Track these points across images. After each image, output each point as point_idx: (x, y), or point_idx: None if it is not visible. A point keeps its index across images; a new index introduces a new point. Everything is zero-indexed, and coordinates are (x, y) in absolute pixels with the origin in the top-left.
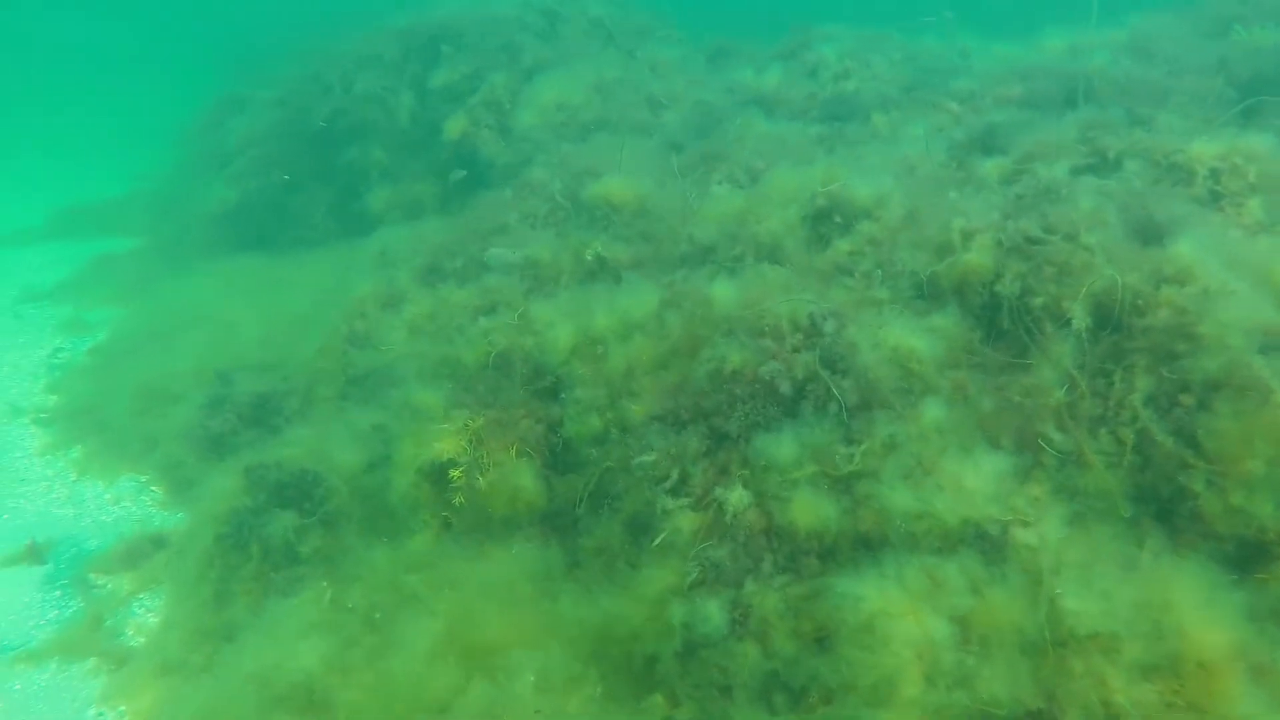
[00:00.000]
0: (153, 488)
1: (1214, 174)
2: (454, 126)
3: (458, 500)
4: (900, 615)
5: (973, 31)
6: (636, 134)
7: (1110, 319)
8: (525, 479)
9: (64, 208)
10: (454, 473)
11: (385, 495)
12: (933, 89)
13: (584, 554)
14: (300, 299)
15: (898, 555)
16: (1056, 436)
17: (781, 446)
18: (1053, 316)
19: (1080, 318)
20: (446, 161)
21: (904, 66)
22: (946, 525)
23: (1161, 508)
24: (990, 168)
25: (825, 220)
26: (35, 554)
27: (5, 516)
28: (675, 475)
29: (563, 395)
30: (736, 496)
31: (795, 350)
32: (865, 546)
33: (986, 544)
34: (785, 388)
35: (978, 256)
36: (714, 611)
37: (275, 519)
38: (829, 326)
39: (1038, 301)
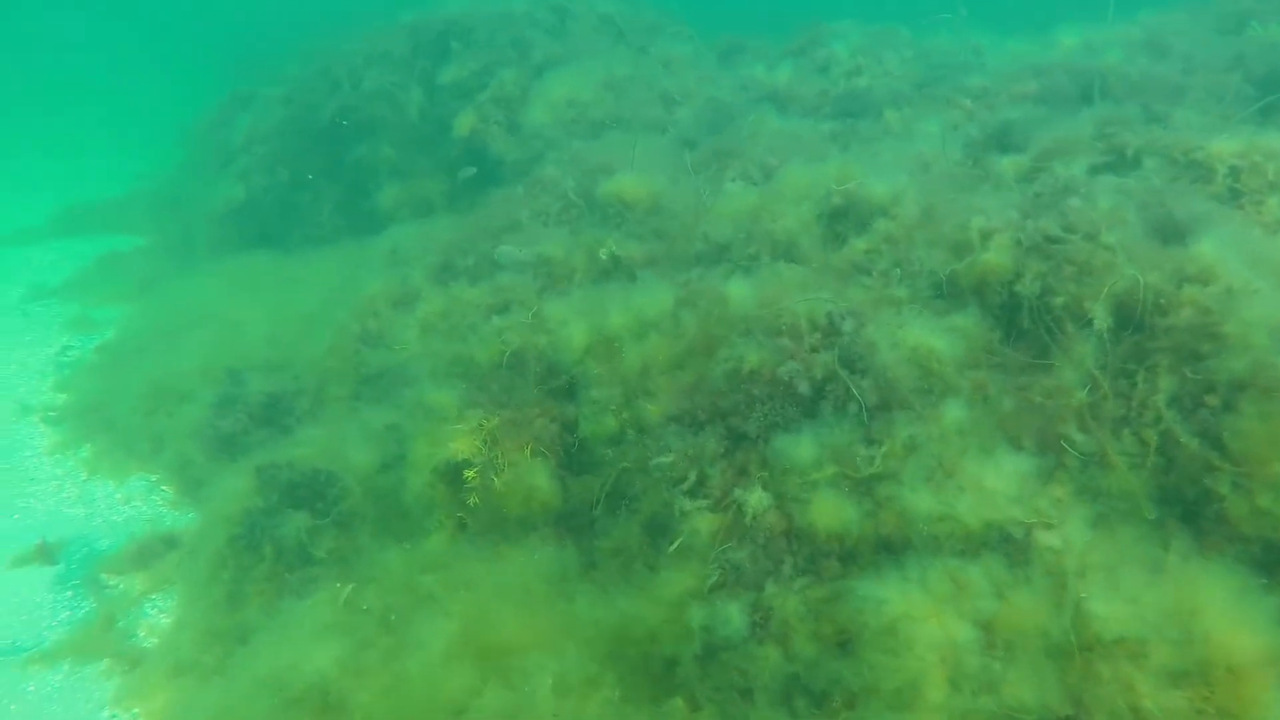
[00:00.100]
0: (163, 487)
1: (1233, 172)
2: (463, 123)
3: (472, 500)
4: (924, 619)
5: (986, 28)
6: (648, 131)
7: (1132, 319)
8: (540, 479)
9: (69, 206)
10: (468, 473)
11: (399, 495)
12: (946, 85)
13: (600, 555)
14: (309, 297)
15: (920, 558)
16: (1079, 437)
17: (801, 447)
18: (1073, 316)
19: (1101, 318)
20: (456, 158)
21: (915, 63)
22: (969, 528)
23: (1186, 510)
24: (1007, 165)
25: (841, 218)
26: (46, 554)
27: (16, 516)
28: (693, 476)
29: (578, 395)
30: (756, 498)
31: (813, 350)
32: (887, 549)
33: (1010, 546)
34: (804, 388)
35: (997, 256)
36: (734, 614)
37: (288, 519)
38: (847, 326)
39: (1058, 301)
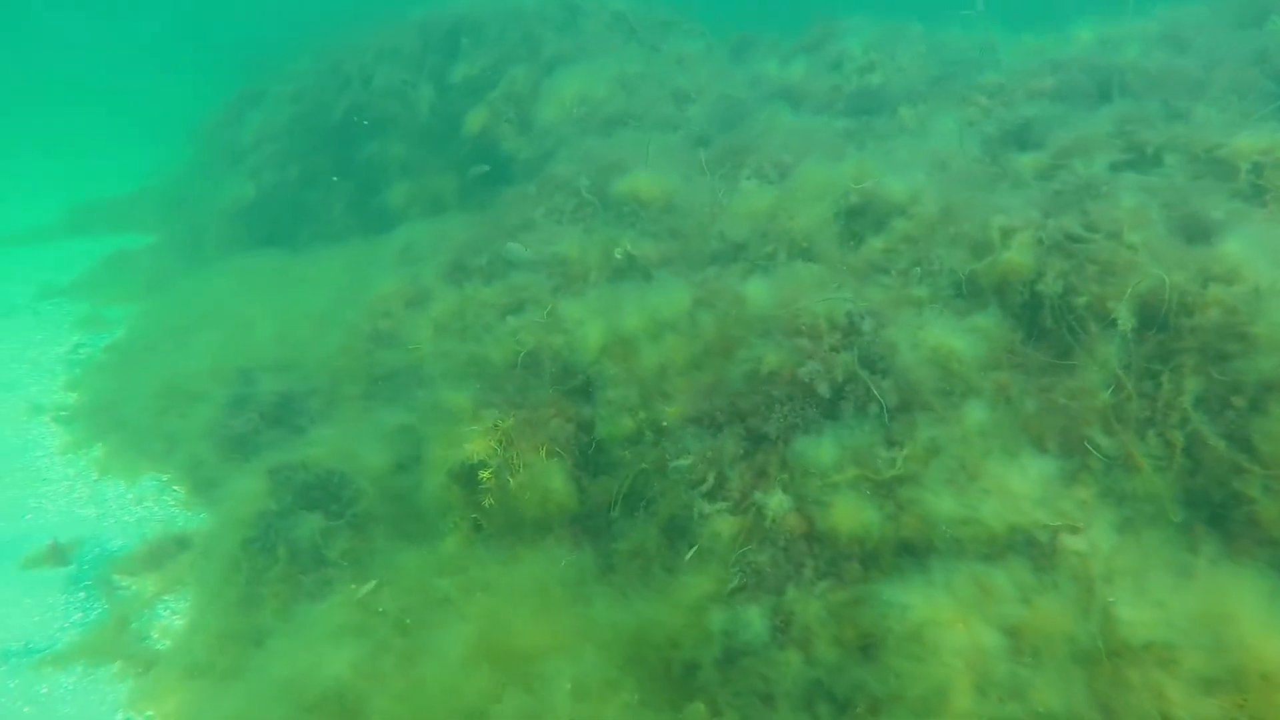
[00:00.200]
0: (175, 487)
1: (1256, 168)
2: (474, 121)
3: (487, 502)
4: (949, 624)
5: (1000, 23)
6: (661, 128)
7: (1156, 319)
8: (556, 480)
9: (79, 204)
10: (484, 474)
11: (414, 497)
12: (961, 82)
13: (618, 558)
14: (319, 296)
15: (945, 562)
16: (1103, 439)
17: (821, 449)
18: (1096, 316)
19: (1125, 318)
20: (467, 156)
21: (929, 59)
22: (992, 531)
23: (1214, 513)
24: (1026, 163)
25: (858, 217)
26: (58, 555)
27: (28, 516)
28: (712, 478)
29: (594, 395)
30: (776, 501)
31: (833, 350)
32: (908, 552)
33: (1035, 550)
34: (824, 389)
35: (1018, 255)
36: (755, 618)
37: (302, 521)
38: (867, 325)
39: (1081, 301)
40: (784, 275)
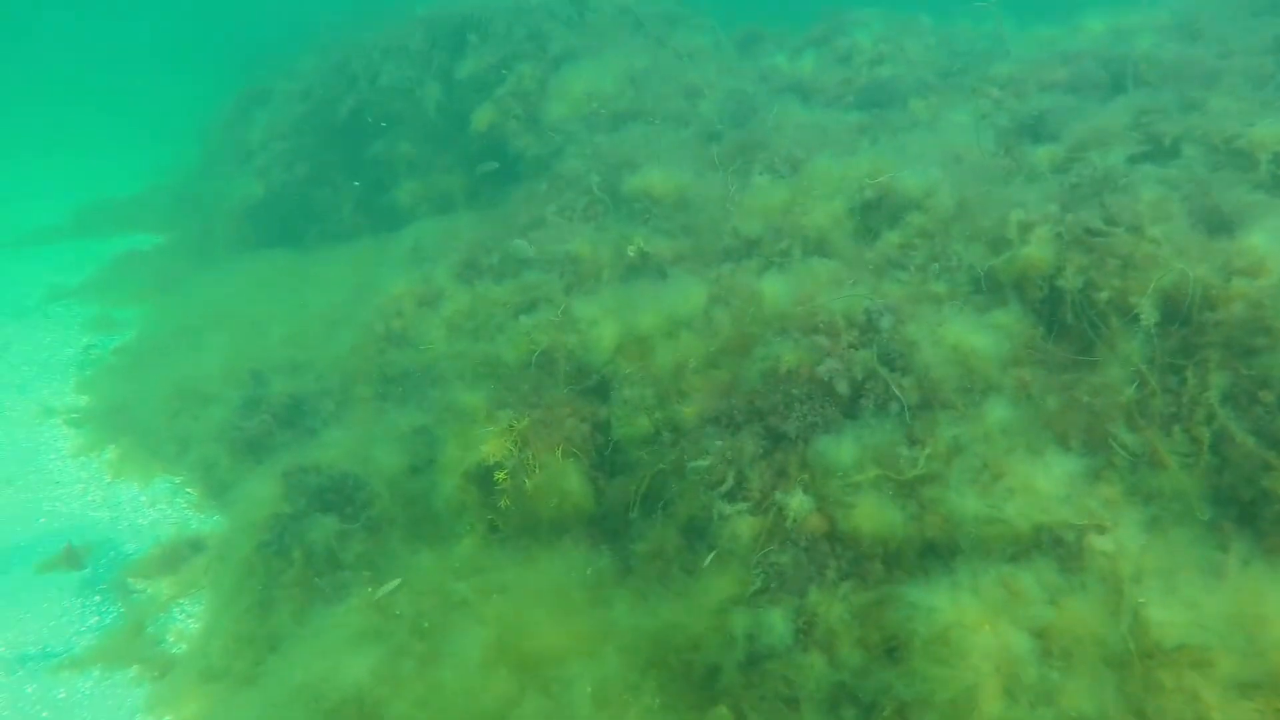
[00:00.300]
0: (188, 489)
1: (1277, 159)
2: (482, 118)
3: (504, 503)
4: (976, 626)
5: (1010, 14)
6: (671, 124)
7: (1178, 313)
8: (573, 481)
9: (86, 204)
10: (499, 474)
11: (429, 499)
12: (972, 74)
13: (637, 559)
14: (329, 296)
15: (970, 563)
16: (1127, 436)
17: (842, 449)
18: (1118, 311)
19: (1148, 313)
20: (475, 154)
21: (938, 51)
22: (1018, 531)
23: (1243, 510)
24: (1042, 155)
25: (873, 212)
26: (73, 558)
27: (42, 520)
28: (731, 479)
29: (610, 395)
30: (798, 501)
31: (851, 347)
32: (933, 553)
33: (1062, 550)
34: (843, 387)
35: (1037, 250)
36: (777, 620)
37: (317, 524)
38: (886, 323)
39: (1102, 296)
40: (800, 272)
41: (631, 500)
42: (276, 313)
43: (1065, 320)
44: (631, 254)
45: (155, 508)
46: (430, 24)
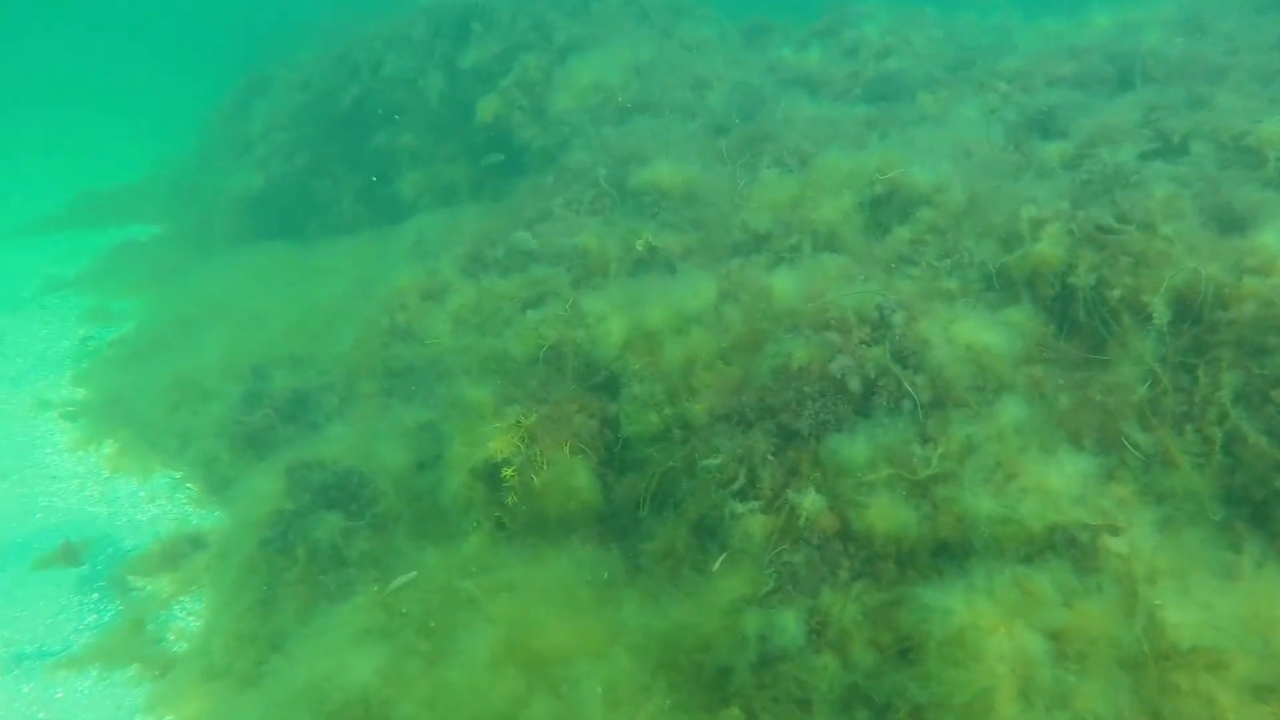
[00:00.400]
0: (188, 485)
1: None
2: (486, 109)
3: (511, 500)
4: (991, 628)
5: (1017, 7)
6: (678, 116)
7: (1190, 312)
8: (581, 478)
9: (82, 192)
10: (507, 471)
11: (435, 496)
12: (979, 67)
13: (646, 558)
14: (331, 289)
15: (984, 564)
16: (1140, 435)
17: (855, 447)
18: (1130, 309)
19: (1160, 311)
20: (479, 145)
21: (945, 44)
22: (1032, 531)
23: (1256, 511)
24: (1052, 151)
25: (883, 206)
26: (71, 555)
27: (38, 516)
28: (743, 477)
29: (619, 391)
30: (810, 500)
31: (863, 344)
32: (946, 553)
33: (1076, 551)
34: (855, 384)
35: (1049, 247)
36: (790, 621)
37: (321, 521)
38: (898, 319)
39: (1114, 294)
40: (810, 267)
41: (641, 498)
42: (277, 305)
43: (1077, 318)
44: (640, 248)
45: (154, 503)
46: (433, 13)
